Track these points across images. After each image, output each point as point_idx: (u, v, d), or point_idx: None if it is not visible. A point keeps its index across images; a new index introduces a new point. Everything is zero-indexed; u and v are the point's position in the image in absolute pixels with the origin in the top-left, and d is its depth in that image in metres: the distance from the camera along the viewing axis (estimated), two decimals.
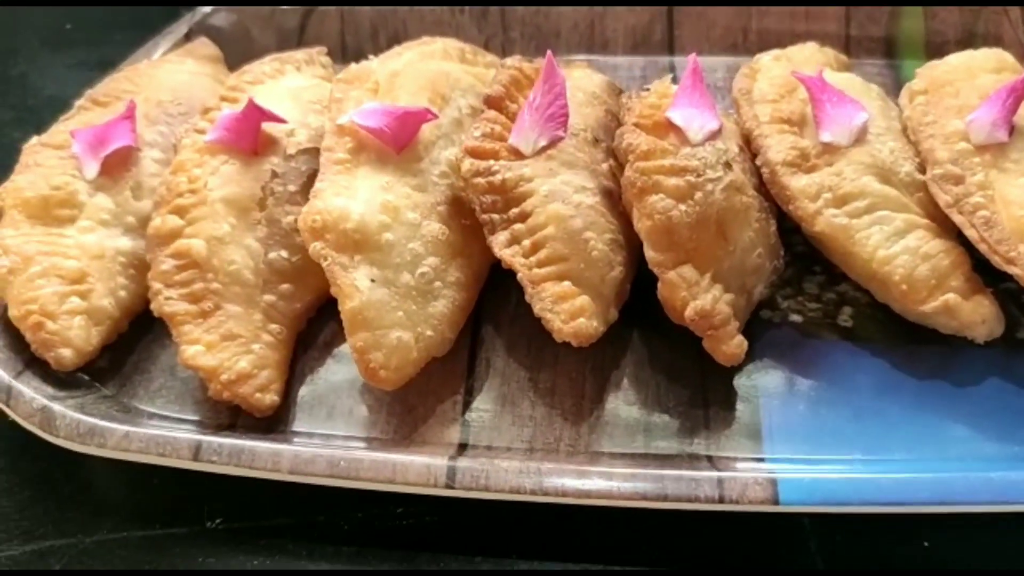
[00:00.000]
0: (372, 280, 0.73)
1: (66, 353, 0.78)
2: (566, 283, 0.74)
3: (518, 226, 0.76)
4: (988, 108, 0.78)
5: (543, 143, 0.78)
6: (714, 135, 0.77)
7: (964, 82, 0.84)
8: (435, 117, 0.81)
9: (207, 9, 1.12)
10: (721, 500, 0.65)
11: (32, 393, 0.74)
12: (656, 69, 1.08)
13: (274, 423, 0.77)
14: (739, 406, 0.75)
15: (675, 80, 1.00)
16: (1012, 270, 0.70)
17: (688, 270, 0.73)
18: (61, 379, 0.78)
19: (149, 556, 0.72)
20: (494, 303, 0.83)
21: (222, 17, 1.12)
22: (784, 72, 0.87)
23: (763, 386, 0.76)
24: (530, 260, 0.75)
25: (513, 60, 0.89)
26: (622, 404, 0.76)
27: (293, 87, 0.92)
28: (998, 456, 0.70)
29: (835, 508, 0.64)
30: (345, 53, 1.13)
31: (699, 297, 0.72)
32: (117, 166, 0.87)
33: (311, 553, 0.72)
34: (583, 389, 0.77)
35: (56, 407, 0.73)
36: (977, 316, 0.73)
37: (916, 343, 0.77)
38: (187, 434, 0.72)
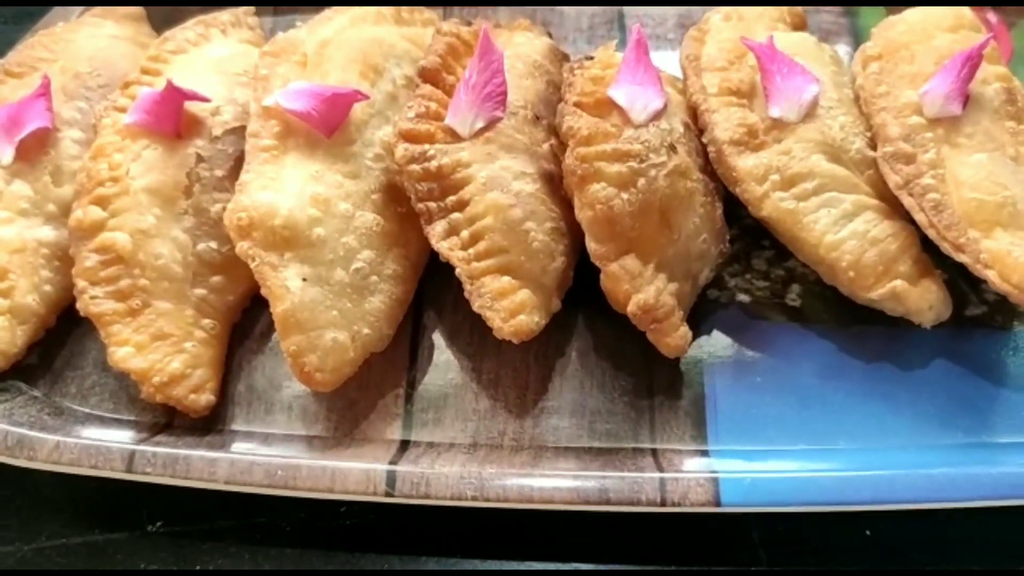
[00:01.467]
0: (304, 279, 0.70)
1: None
2: (506, 278, 0.71)
3: (455, 215, 0.73)
4: (942, 79, 0.75)
5: (480, 124, 0.75)
6: (659, 114, 0.74)
7: (920, 44, 0.81)
8: (366, 98, 0.77)
9: None
10: (663, 503, 0.64)
11: None
12: (604, 20, 1.02)
13: (212, 421, 0.75)
14: (684, 394, 0.74)
15: (623, 40, 0.97)
16: (961, 257, 0.69)
17: (631, 261, 0.71)
18: None
19: (91, 563, 0.71)
20: (435, 287, 0.81)
21: None
22: (734, 36, 0.83)
23: (709, 373, 0.75)
24: (468, 253, 0.72)
25: (450, 25, 0.84)
26: (567, 395, 0.75)
27: (217, 57, 0.87)
28: (941, 444, 0.70)
29: (776, 508, 0.64)
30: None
31: (642, 290, 0.70)
32: (34, 149, 0.82)
33: (254, 555, 0.71)
34: (527, 379, 0.76)
35: None
36: (924, 303, 0.71)
37: (864, 323, 0.76)
38: (120, 444, 0.70)
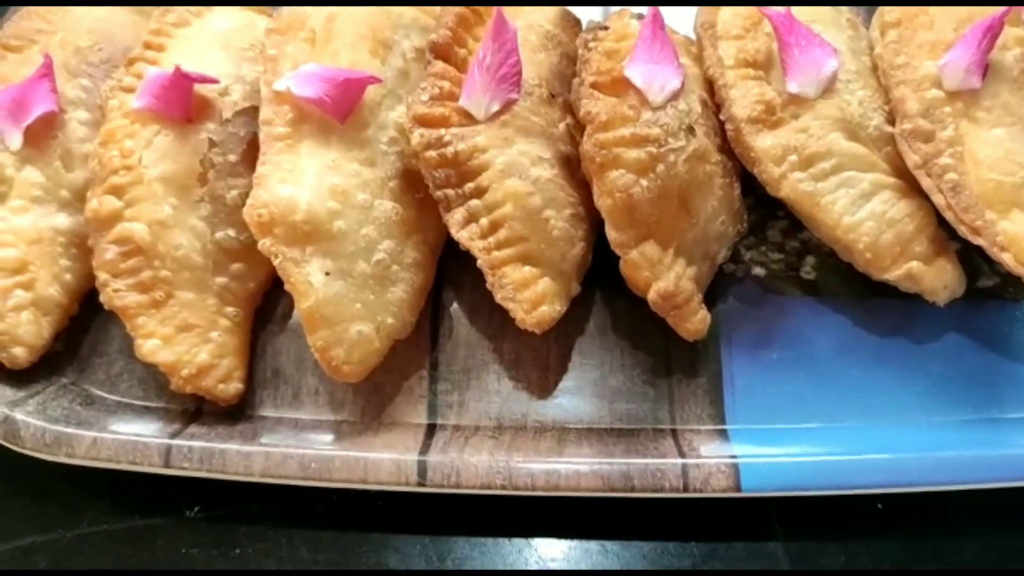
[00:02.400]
0: (327, 273, 0.71)
1: (19, 352, 0.76)
2: (527, 268, 0.72)
3: (474, 202, 0.73)
4: (962, 50, 0.74)
5: (496, 108, 0.74)
6: (676, 94, 0.73)
7: (939, 8, 0.80)
8: (379, 81, 0.76)
9: None
10: (686, 489, 0.67)
11: None
12: None
13: (241, 407, 0.77)
14: (702, 372, 0.76)
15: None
16: (977, 240, 0.70)
17: (650, 247, 0.71)
18: (18, 375, 0.77)
19: (132, 549, 0.74)
20: (453, 268, 0.81)
21: None
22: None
23: (726, 349, 0.77)
24: (488, 241, 0.73)
25: None
26: (587, 374, 0.77)
27: (221, 31, 0.85)
28: (951, 420, 0.72)
29: (795, 492, 0.67)
30: None
31: (662, 277, 0.71)
32: (42, 133, 0.81)
33: (290, 538, 0.74)
34: (547, 359, 0.78)
35: (19, 416, 0.73)
36: (939, 283, 0.73)
37: (878, 295, 0.78)
38: (156, 439, 0.72)
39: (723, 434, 0.73)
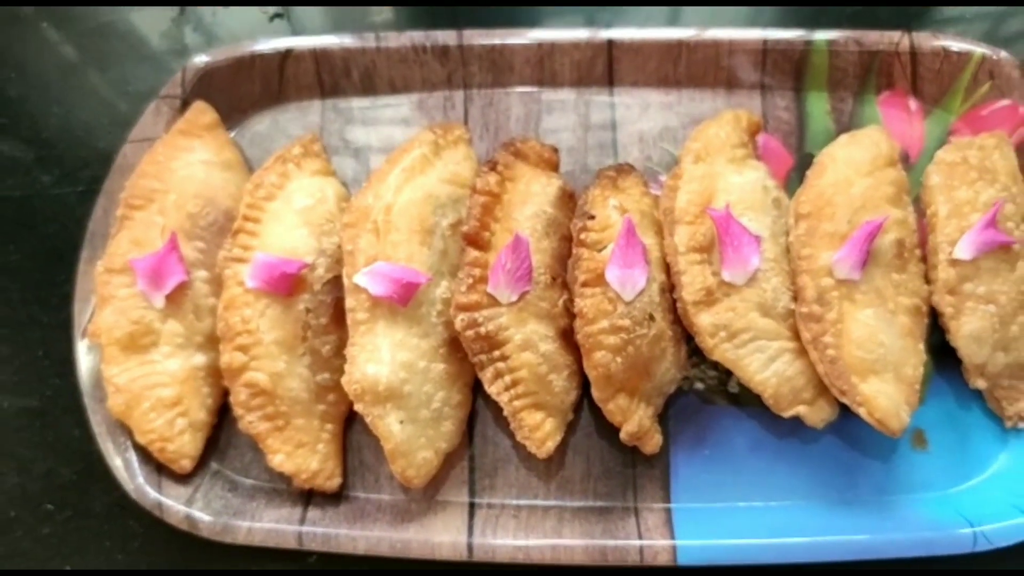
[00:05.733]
0: (401, 422, 1.04)
1: (186, 463, 1.09)
2: (538, 414, 1.05)
3: (500, 364, 1.05)
4: (848, 250, 1.03)
5: (514, 298, 1.04)
6: (643, 291, 1.03)
7: (841, 195, 1.07)
8: (430, 280, 1.05)
9: (197, 61, 1.23)
10: (642, 562, 1.04)
11: (176, 504, 1.08)
12: (598, 108, 1.24)
13: (341, 489, 1.12)
14: (656, 464, 1.11)
15: (614, 157, 1.20)
16: (843, 399, 1.02)
17: (622, 399, 1.04)
18: (186, 475, 1.11)
19: None
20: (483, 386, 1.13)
21: (209, 68, 1.23)
22: (701, 187, 1.08)
23: (673, 448, 1.11)
24: (510, 393, 1.05)
25: (482, 182, 1.08)
26: (578, 465, 1.11)
27: (302, 208, 1.12)
28: (831, 500, 1.07)
29: (721, 563, 1.04)
30: (323, 89, 1.27)
31: (629, 421, 1.04)
32: (177, 294, 1.10)
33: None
34: (551, 455, 1.11)
35: (196, 513, 1.07)
36: (818, 418, 1.06)
37: None
38: (289, 525, 1.07)
39: (668, 511, 1.08)
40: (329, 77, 1.26)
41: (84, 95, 1.37)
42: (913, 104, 1.23)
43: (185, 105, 1.22)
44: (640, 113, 1.25)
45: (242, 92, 1.25)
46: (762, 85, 1.24)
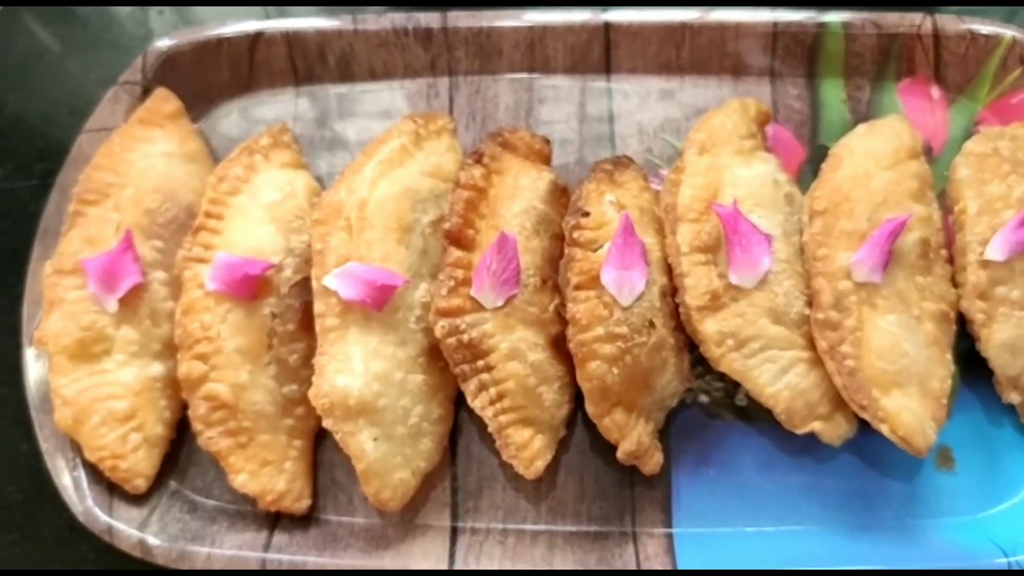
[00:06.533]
0: (375, 439, 0.94)
1: (140, 482, 0.99)
2: (526, 431, 0.95)
3: (485, 376, 0.95)
4: (869, 250, 0.93)
5: (500, 302, 0.94)
6: (642, 294, 0.93)
7: (860, 189, 0.98)
8: (408, 282, 0.95)
9: (159, 45, 1.13)
10: None
11: (128, 528, 0.98)
12: (594, 97, 1.15)
13: (310, 510, 1.02)
14: (657, 485, 1.01)
15: (611, 150, 1.11)
16: (863, 415, 0.92)
17: (619, 414, 0.94)
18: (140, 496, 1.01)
19: None
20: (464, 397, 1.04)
21: (172, 52, 1.14)
22: (705, 180, 0.99)
23: (675, 467, 1.01)
24: (496, 407, 0.95)
25: (466, 174, 0.99)
26: (571, 485, 1.02)
27: (269, 203, 1.02)
28: (848, 525, 0.98)
29: None
30: (297, 75, 1.17)
31: (627, 439, 0.94)
32: (132, 297, 1.01)
33: None
34: (540, 474, 1.02)
35: (150, 539, 0.97)
36: (835, 434, 0.96)
37: None
38: (252, 552, 0.98)
39: (669, 536, 0.99)
40: (303, 62, 1.16)
41: (43, 82, 1.27)
42: (936, 92, 1.13)
43: (146, 92, 1.13)
44: (640, 102, 1.15)
45: (209, 79, 1.16)
46: (772, 72, 1.14)
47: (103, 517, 0.98)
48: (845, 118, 1.13)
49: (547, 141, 1.08)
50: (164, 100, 1.12)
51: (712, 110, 1.07)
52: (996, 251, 0.96)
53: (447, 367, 0.97)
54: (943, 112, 1.13)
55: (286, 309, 1.00)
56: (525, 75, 1.16)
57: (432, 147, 1.06)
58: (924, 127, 1.11)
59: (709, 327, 0.95)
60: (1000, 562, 0.93)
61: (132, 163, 1.06)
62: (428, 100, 1.16)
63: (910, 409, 0.92)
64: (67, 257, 1.02)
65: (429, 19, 1.15)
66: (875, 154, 1.00)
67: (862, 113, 1.13)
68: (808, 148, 1.12)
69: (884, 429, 0.92)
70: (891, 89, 1.14)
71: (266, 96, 1.17)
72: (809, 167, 1.11)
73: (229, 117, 1.17)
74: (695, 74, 1.15)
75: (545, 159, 1.07)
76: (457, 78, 1.16)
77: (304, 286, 1.00)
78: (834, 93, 1.14)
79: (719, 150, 1.02)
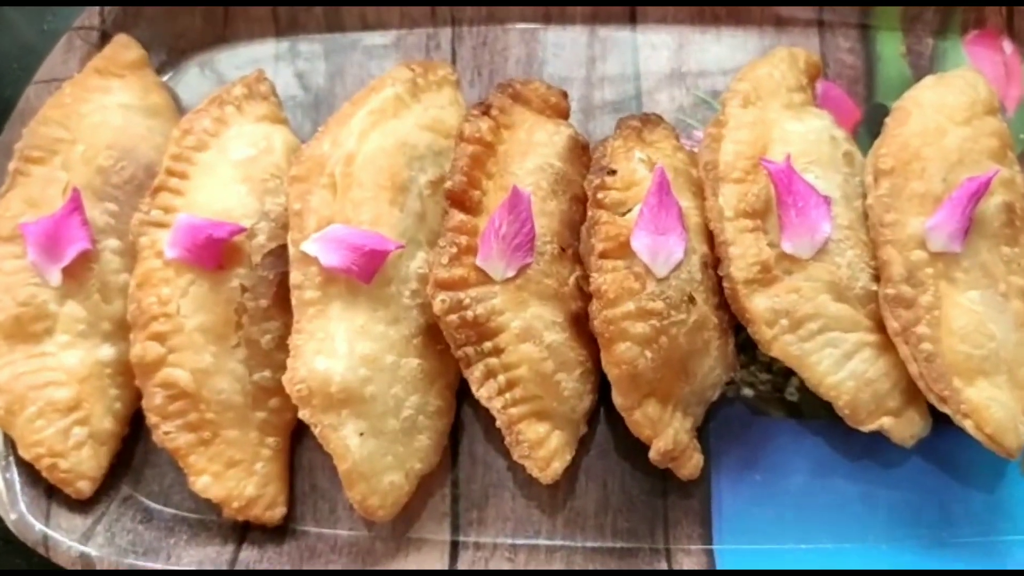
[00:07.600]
0: (361, 434, 0.79)
1: (83, 485, 0.85)
2: (541, 427, 0.80)
3: (492, 360, 0.80)
4: (947, 214, 0.79)
5: (511, 273, 0.79)
6: (679, 264, 0.79)
7: (932, 146, 0.83)
8: (401, 248, 0.80)
9: None
10: None
11: (66, 540, 0.83)
12: (617, 49, 1.01)
13: (286, 520, 0.87)
14: (694, 493, 0.86)
15: (638, 108, 0.97)
16: (943, 407, 0.78)
17: (652, 407, 0.79)
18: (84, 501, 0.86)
19: None
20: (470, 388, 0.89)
21: None
22: (751, 135, 0.85)
23: (716, 471, 0.86)
24: (505, 398, 0.80)
25: (470, 126, 0.84)
26: (591, 493, 0.87)
27: (241, 159, 0.88)
28: (921, 542, 0.83)
29: None
30: (279, 25, 1.03)
31: (662, 435, 0.79)
32: (79, 268, 0.87)
33: None
34: (557, 478, 0.87)
35: (93, 552, 0.82)
36: (907, 433, 0.81)
37: None
38: (218, 568, 0.82)
39: (710, 554, 0.84)
40: (286, 10, 1.02)
41: None
42: (1008, 46, 0.99)
43: (104, 40, 0.99)
44: (669, 57, 1.01)
45: (179, 27, 1.01)
46: (820, 22, 1.00)
47: (38, 526, 0.84)
48: (905, 74, 0.99)
49: (565, 95, 0.93)
50: (124, 47, 0.97)
51: (755, 60, 0.93)
52: None
53: (447, 350, 0.82)
54: (1017, 68, 0.99)
55: (258, 282, 0.85)
56: (538, 26, 1.02)
57: (432, 99, 0.91)
58: (995, 84, 0.97)
59: (758, 304, 0.80)
60: None
61: (84, 116, 0.92)
62: (428, 53, 1.02)
63: (999, 402, 0.78)
64: (4, 221, 0.88)
65: None
66: (948, 107, 0.86)
67: (924, 68, 0.98)
68: (863, 107, 0.98)
69: (968, 425, 0.77)
70: (957, 42, 1.00)
71: (244, 48, 1.03)
72: (864, 128, 0.97)
73: (201, 71, 1.02)
74: (732, 24, 1.01)
75: (563, 115, 0.92)
76: (461, 28, 1.02)
77: (280, 255, 0.85)
78: (892, 46, 1.00)
79: (766, 103, 0.88)
